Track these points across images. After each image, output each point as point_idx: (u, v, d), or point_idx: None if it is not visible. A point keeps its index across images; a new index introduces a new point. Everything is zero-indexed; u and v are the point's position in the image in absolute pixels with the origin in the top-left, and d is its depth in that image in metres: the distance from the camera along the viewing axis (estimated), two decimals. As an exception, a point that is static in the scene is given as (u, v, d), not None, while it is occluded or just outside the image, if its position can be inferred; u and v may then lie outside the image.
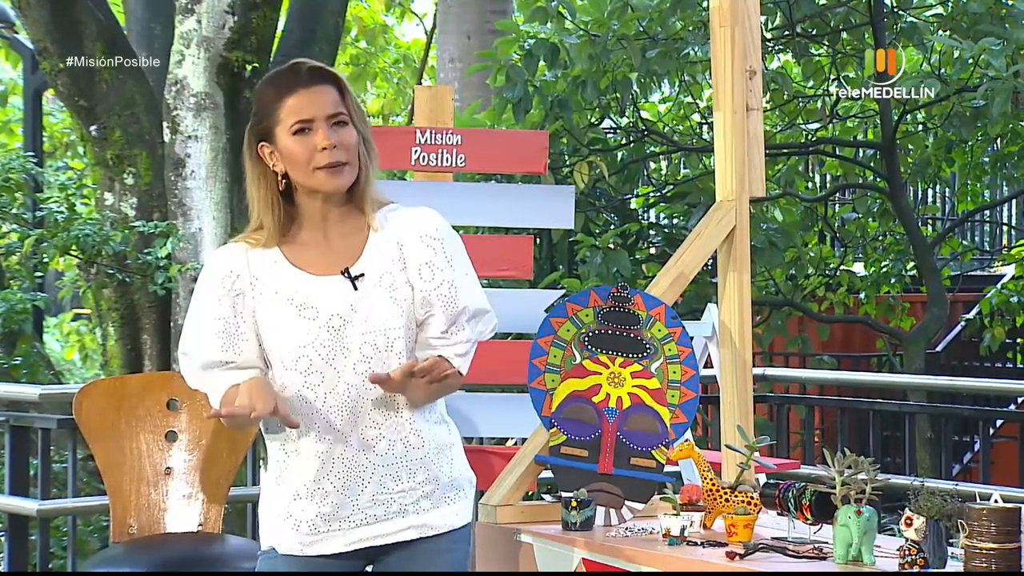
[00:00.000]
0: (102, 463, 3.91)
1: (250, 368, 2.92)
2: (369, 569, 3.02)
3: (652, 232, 9.08)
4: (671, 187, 9.02)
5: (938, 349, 10.45)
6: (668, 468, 3.72)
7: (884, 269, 10.15)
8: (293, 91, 2.89)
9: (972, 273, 11.82)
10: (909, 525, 2.99)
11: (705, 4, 7.38)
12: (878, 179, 9.31)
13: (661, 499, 3.58)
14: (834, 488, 3.13)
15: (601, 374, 3.64)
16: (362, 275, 2.92)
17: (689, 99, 9.00)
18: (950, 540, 3.03)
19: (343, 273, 2.92)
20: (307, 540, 2.94)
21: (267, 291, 2.92)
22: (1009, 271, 11.19)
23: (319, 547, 2.94)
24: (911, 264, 9.96)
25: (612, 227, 8.18)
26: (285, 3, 8.55)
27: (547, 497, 4.74)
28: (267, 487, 3.01)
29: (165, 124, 7.47)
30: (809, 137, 9.47)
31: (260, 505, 3.04)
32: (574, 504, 3.50)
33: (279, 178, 2.93)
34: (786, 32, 8.33)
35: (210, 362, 2.93)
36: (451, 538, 2.99)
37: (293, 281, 2.92)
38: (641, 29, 7.89)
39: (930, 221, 12.22)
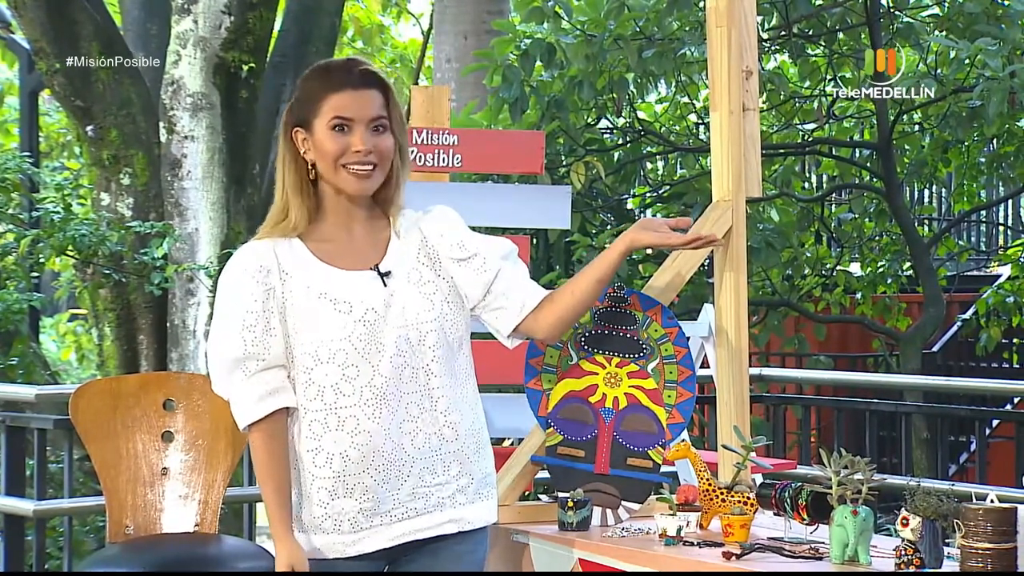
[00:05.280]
0: (98, 463, 3.90)
1: (276, 367, 2.91)
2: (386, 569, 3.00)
3: (649, 232, 9.06)
4: (668, 187, 9.02)
5: (934, 349, 10.46)
6: (664, 468, 3.73)
7: (880, 269, 10.15)
8: (341, 89, 2.92)
9: (968, 273, 11.83)
10: (905, 525, 2.99)
11: (701, 4, 7.38)
12: (874, 179, 9.31)
13: (657, 499, 3.58)
14: (830, 488, 3.13)
15: (598, 374, 3.64)
16: (389, 272, 2.96)
17: (685, 99, 9.00)
18: (946, 540, 3.03)
19: (372, 268, 2.95)
20: (350, 540, 2.91)
21: (298, 286, 2.93)
22: (1005, 271, 11.19)
23: (363, 545, 2.91)
24: (907, 264, 9.95)
25: (609, 227, 8.18)
26: (282, 3, 8.55)
27: (544, 497, 4.75)
28: (300, 491, 2.95)
29: (161, 124, 7.47)
30: (805, 137, 9.47)
31: (292, 512, 2.95)
32: (571, 504, 3.50)
33: (309, 166, 2.96)
34: (782, 32, 8.33)
35: (235, 359, 2.91)
36: (476, 538, 3.00)
37: (324, 276, 2.94)
38: (637, 29, 7.89)
39: (926, 221, 12.22)
